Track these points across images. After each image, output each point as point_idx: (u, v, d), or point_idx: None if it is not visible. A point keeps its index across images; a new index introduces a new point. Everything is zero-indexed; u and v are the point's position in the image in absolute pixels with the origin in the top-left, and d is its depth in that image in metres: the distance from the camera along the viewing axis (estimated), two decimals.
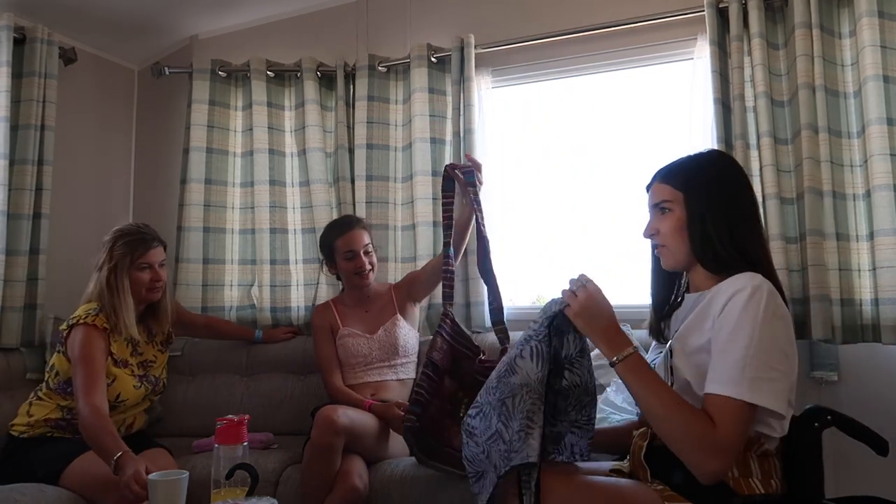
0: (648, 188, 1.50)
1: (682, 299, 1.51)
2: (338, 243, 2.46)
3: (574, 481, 1.31)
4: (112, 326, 2.15)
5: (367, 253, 2.47)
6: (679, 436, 1.24)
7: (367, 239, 2.49)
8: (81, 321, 2.11)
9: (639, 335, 2.33)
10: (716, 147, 2.32)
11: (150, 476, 1.57)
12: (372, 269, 2.50)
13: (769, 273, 1.36)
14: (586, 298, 1.34)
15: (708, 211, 1.38)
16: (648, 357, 1.50)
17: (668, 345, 1.39)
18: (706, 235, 1.38)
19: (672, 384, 1.35)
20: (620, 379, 1.31)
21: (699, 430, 1.22)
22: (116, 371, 2.17)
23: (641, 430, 1.47)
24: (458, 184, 2.21)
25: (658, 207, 1.45)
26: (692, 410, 1.25)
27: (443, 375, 1.95)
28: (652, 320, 1.55)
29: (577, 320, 1.33)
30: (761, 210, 2.26)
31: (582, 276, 1.38)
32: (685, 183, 1.42)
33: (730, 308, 1.27)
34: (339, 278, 2.60)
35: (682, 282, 1.55)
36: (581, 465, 1.58)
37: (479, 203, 2.19)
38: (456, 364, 2.00)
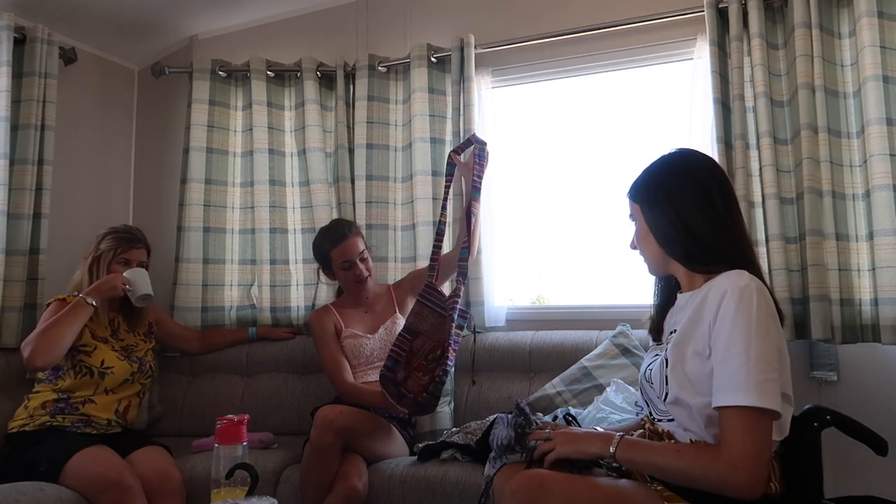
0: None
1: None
2: (333, 254, 2.45)
3: (574, 481, 1.31)
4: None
5: (363, 260, 2.46)
6: (696, 475, 1.24)
7: (361, 245, 2.48)
8: (55, 299, 2.31)
9: (639, 335, 2.34)
10: (715, 147, 2.33)
11: (124, 273, 2.24)
12: (370, 275, 2.50)
13: (751, 265, 1.36)
14: (563, 435, 1.41)
15: (659, 214, 1.41)
16: (645, 361, 1.50)
17: (663, 353, 1.39)
18: (668, 237, 1.41)
19: (666, 395, 1.35)
20: (624, 464, 1.34)
21: (707, 460, 1.23)
22: (96, 342, 2.30)
23: (639, 431, 1.47)
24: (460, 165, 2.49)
25: (632, 219, 1.52)
26: (692, 448, 1.28)
27: (416, 335, 2.23)
28: (653, 319, 1.56)
29: (566, 449, 1.38)
30: (761, 209, 2.27)
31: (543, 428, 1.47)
32: (636, 193, 1.48)
33: (722, 314, 1.26)
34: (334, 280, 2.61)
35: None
36: None
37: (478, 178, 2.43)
38: (428, 322, 2.25)
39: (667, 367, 1.34)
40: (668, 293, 1.54)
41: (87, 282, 2.33)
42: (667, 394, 1.34)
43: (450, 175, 2.52)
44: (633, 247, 1.53)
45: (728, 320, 1.25)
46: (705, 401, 1.27)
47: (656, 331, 1.53)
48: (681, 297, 1.45)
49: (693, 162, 1.47)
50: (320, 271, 2.61)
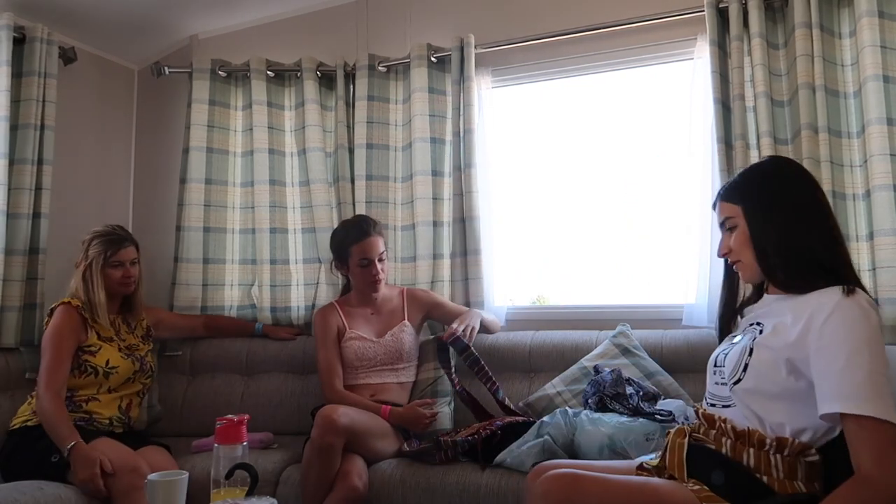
0: (714, 207, 1.55)
1: (755, 297, 1.53)
2: (353, 249, 2.44)
3: (608, 482, 1.29)
4: (90, 316, 2.31)
5: (381, 261, 2.46)
6: None
7: (382, 246, 2.47)
8: (61, 303, 2.31)
9: (639, 335, 2.34)
10: (715, 147, 2.33)
11: (150, 477, 1.55)
12: (385, 276, 2.50)
13: (852, 279, 1.37)
14: None
15: (767, 218, 1.41)
16: (720, 348, 1.50)
17: (748, 342, 1.39)
18: (775, 243, 1.40)
19: (739, 381, 1.36)
20: None
21: (864, 496, 1.17)
22: (101, 343, 2.31)
23: (678, 427, 1.47)
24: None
25: (724, 226, 1.50)
26: (841, 494, 1.20)
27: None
28: (721, 321, 1.59)
29: None
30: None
31: None
32: (741, 196, 1.46)
33: (834, 323, 1.26)
34: (347, 278, 2.60)
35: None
36: (611, 463, 1.57)
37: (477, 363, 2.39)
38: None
39: (749, 355, 1.35)
40: (734, 296, 1.57)
41: (82, 290, 2.32)
42: (739, 380, 1.35)
43: (444, 360, 2.45)
44: (724, 254, 1.51)
45: (843, 332, 1.25)
46: (780, 393, 1.30)
47: (726, 330, 1.55)
48: (767, 298, 1.47)
49: (795, 170, 1.50)
50: (332, 265, 2.60)
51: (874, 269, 2.13)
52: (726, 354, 1.43)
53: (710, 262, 2.35)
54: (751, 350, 1.36)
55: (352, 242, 2.44)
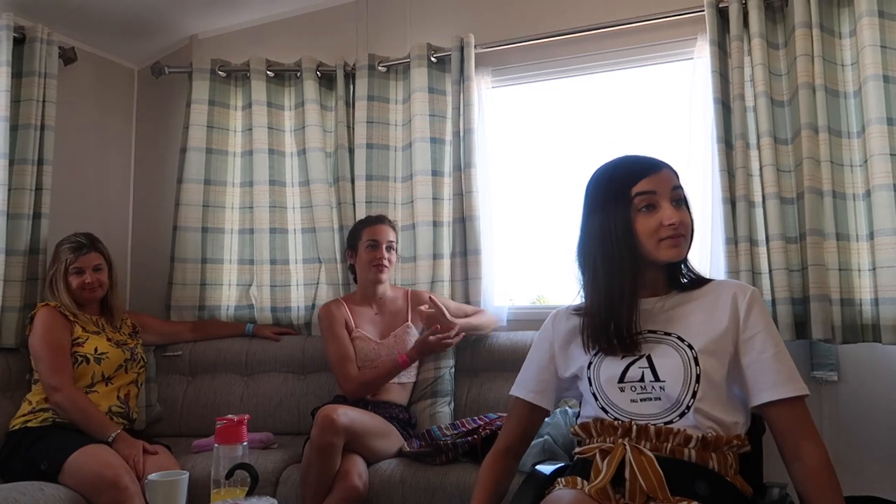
0: (657, 170, 1.37)
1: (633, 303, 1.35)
2: (363, 232, 2.53)
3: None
4: (70, 314, 2.37)
5: (388, 248, 2.52)
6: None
7: (392, 236, 2.55)
8: (40, 306, 2.36)
9: None
10: (715, 147, 2.33)
11: (150, 477, 1.52)
12: (389, 266, 2.53)
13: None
14: None
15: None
16: (618, 364, 1.33)
17: (689, 351, 1.30)
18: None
19: (696, 392, 1.26)
20: None
21: (830, 467, 1.26)
22: (87, 334, 2.37)
23: (619, 444, 1.27)
24: None
25: (677, 193, 1.35)
26: (829, 480, 1.26)
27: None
28: (622, 329, 1.33)
29: None
30: (761, 209, 2.27)
31: None
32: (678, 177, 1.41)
33: (757, 310, 1.31)
34: (353, 275, 2.63)
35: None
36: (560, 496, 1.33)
37: None
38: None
39: (696, 365, 1.28)
40: (635, 283, 1.37)
41: (50, 295, 2.41)
42: (696, 392, 1.26)
43: None
44: (677, 224, 1.32)
45: (764, 318, 1.32)
46: (734, 395, 1.32)
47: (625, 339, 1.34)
48: (651, 300, 1.38)
49: None
50: (345, 254, 2.66)
51: (874, 269, 2.13)
52: (642, 369, 1.30)
53: (710, 260, 2.36)
54: (696, 359, 1.28)
55: (364, 226, 2.55)
